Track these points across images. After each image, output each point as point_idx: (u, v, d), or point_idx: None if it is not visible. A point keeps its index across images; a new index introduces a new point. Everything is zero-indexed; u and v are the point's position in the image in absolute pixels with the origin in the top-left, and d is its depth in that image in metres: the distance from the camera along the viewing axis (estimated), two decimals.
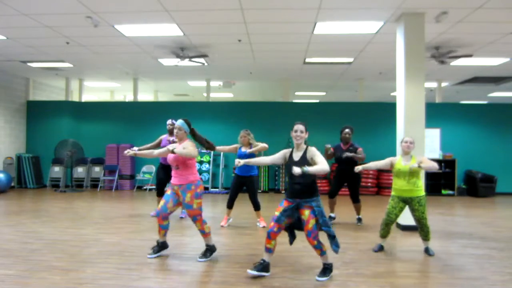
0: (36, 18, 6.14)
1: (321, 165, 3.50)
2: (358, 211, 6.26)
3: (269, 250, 3.69)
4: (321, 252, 3.66)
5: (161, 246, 4.35)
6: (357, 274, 3.86)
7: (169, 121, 6.45)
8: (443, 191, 10.21)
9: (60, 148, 10.10)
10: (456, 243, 5.16)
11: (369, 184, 10.06)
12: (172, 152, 4.02)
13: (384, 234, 4.67)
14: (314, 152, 3.64)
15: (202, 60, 8.43)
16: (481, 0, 5.26)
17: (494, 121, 10.56)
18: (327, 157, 5.94)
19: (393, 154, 6.35)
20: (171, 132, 6.21)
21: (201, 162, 10.84)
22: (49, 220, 6.37)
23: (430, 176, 9.78)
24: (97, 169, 10.89)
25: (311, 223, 3.55)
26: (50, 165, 10.80)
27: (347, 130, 6.12)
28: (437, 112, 10.12)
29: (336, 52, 8.17)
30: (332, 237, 3.60)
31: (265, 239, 3.66)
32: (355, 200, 6.16)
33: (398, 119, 6.09)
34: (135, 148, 4.68)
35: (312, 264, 4.16)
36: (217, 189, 10.61)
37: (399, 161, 4.51)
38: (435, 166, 4.32)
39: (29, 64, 9.41)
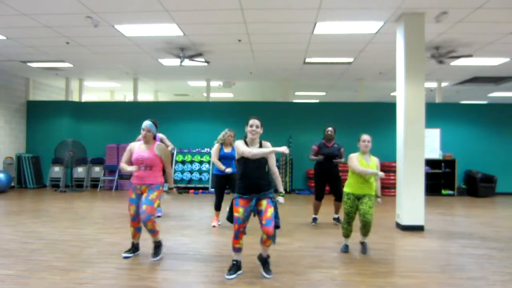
0: (36, 18, 6.14)
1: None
2: (337, 209, 6.20)
3: (238, 250, 3.75)
4: (271, 243, 3.64)
5: (136, 247, 4.42)
6: (357, 274, 3.86)
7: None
8: (443, 191, 10.21)
9: (61, 148, 10.10)
10: (456, 243, 5.16)
11: None
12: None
13: (347, 233, 4.66)
14: (269, 145, 3.72)
15: (202, 60, 8.43)
16: (481, 0, 5.26)
17: (494, 121, 10.57)
18: (313, 157, 6.16)
19: (393, 153, 6.37)
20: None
21: (201, 162, 10.84)
22: (49, 220, 6.37)
23: (430, 176, 9.78)
24: (97, 169, 10.89)
25: (270, 211, 3.57)
26: (50, 165, 10.80)
27: (330, 128, 6.18)
28: (437, 112, 10.12)
29: (336, 52, 8.17)
30: (277, 228, 3.65)
31: (232, 240, 3.70)
32: (338, 198, 6.07)
33: (398, 119, 6.09)
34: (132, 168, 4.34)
35: (312, 264, 4.16)
36: None
37: (361, 159, 4.50)
38: (370, 172, 4.38)
39: (29, 64, 9.41)
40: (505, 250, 4.78)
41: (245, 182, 3.64)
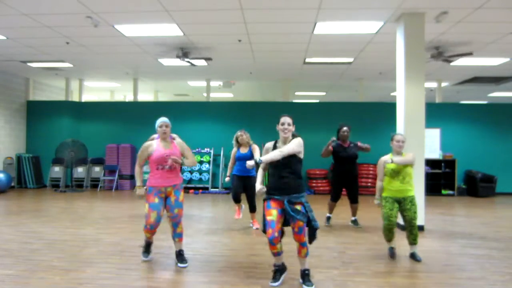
0: (36, 18, 6.14)
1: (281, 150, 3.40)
2: (355, 212, 6.09)
3: (278, 254, 3.50)
4: (307, 252, 3.46)
5: (151, 243, 4.25)
6: (357, 274, 3.86)
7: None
8: (443, 191, 10.21)
9: (62, 148, 10.11)
10: (456, 243, 5.16)
11: (369, 184, 10.06)
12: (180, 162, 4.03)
13: (391, 237, 4.40)
14: (300, 141, 3.51)
15: (202, 60, 8.43)
16: (481, 0, 5.26)
17: (494, 121, 10.57)
18: (325, 153, 5.88)
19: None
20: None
21: (201, 162, 10.84)
22: (49, 220, 6.37)
23: (430, 176, 9.78)
24: (97, 169, 10.89)
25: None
26: (50, 165, 10.80)
27: (345, 128, 5.96)
28: (437, 112, 10.12)
29: (336, 52, 8.17)
30: (315, 230, 3.45)
31: (269, 246, 3.43)
32: (355, 200, 5.99)
33: (398, 119, 6.09)
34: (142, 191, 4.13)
35: (312, 264, 4.15)
36: (217, 189, 10.60)
37: (391, 157, 4.34)
38: (407, 160, 4.21)
39: (29, 64, 9.41)
40: (505, 250, 4.78)
41: (276, 182, 3.45)
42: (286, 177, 3.42)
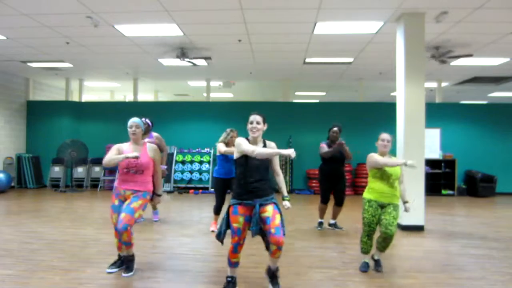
0: (36, 18, 6.14)
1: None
2: (336, 214, 5.84)
3: (235, 264, 3.31)
4: (280, 254, 3.18)
5: (123, 260, 3.85)
6: (357, 274, 3.85)
7: (143, 120, 6.03)
8: (443, 191, 10.21)
9: (63, 148, 10.11)
10: (456, 243, 5.16)
11: (363, 184, 10.05)
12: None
13: (367, 248, 3.99)
14: (274, 146, 3.35)
15: (202, 60, 8.43)
16: (481, 0, 5.26)
17: (494, 121, 10.57)
18: (327, 154, 5.58)
19: (393, 153, 6.34)
20: (144, 133, 5.98)
21: (201, 162, 10.84)
22: (49, 220, 6.37)
23: (431, 176, 9.78)
24: (97, 169, 10.89)
25: (278, 218, 3.13)
26: (50, 165, 10.80)
27: (335, 129, 5.74)
28: (437, 112, 10.11)
29: (336, 52, 8.17)
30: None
31: (230, 254, 3.24)
32: (340, 202, 5.74)
33: (398, 119, 6.09)
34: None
35: (313, 264, 4.16)
36: None
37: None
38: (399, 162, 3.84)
39: (29, 64, 9.41)
40: (505, 250, 4.78)
41: (246, 186, 3.16)
42: (259, 180, 3.17)
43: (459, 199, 9.65)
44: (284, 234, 3.15)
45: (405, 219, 5.82)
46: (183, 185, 10.76)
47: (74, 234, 5.36)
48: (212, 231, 5.56)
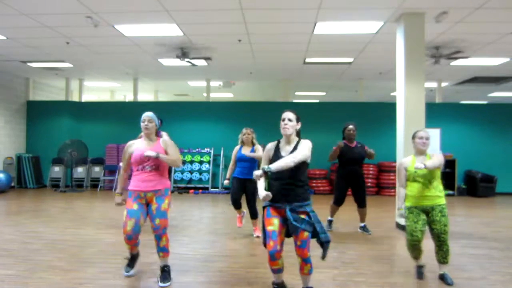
0: (36, 18, 6.14)
1: (293, 155, 2.93)
2: (363, 217, 5.63)
3: (278, 271, 3.05)
4: (311, 269, 3.02)
5: (136, 256, 3.74)
6: (357, 274, 3.85)
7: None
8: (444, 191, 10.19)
9: (63, 148, 10.12)
10: (456, 243, 5.15)
11: (369, 184, 10.05)
12: (157, 157, 3.36)
13: (416, 254, 3.71)
14: (305, 144, 3.08)
15: (202, 60, 8.43)
16: (481, 0, 5.26)
17: (494, 121, 10.57)
18: (332, 157, 5.43)
19: (393, 153, 6.36)
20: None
21: (201, 162, 10.84)
22: (49, 220, 6.37)
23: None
24: (97, 169, 10.89)
25: (306, 232, 2.94)
26: (50, 165, 10.80)
27: (351, 126, 5.48)
28: (437, 112, 10.11)
29: (336, 52, 8.17)
30: (327, 243, 3.00)
31: (269, 261, 2.98)
32: (362, 204, 5.53)
33: (398, 119, 6.09)
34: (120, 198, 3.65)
35: (313, 264, 4.15)
36: (217, 189, 10.60)
37: (413, 163, 3.58)
38: (440, 161, 3.48)
39: (29, 64, 9.41)
40: (505, 250, 4.78)
41: (275, 187, 2.98)
42: (290, 183, 2.96)
43: (459, 199, 9.65)
44: (328, 241, 2.97)
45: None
46: (183, 185, 10.76)
47: (74, 234, 5.36)
48: (239, 227, 5.43)
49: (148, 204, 3.46)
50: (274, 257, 2.92)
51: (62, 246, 4.74)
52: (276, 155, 3.05)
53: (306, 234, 2.90)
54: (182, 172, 10.85)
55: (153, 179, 3.43)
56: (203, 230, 5.75)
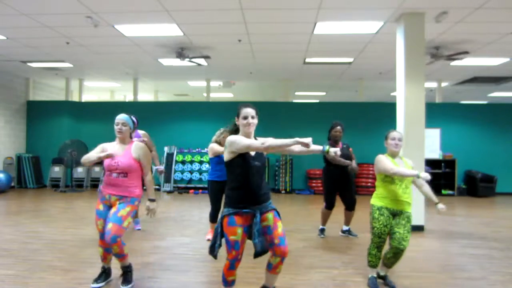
0: (36, 18, 6.14)
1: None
2: (349, 220, 5.40)
3: (232, 283, 2.92)
4: (281, 268, 2.91)
5: (108, 273, 3.57)
6: (357, 274, 3.85)
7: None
8: (443, 191, 10.21)
9: (64, 148, 10.12)
10: (456, 243, 5.16)
11: (369, 184, 10.06)
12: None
13: (376, 261, 3.52)
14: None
15: (202, 60, 8.43)
16: (481, 0, 5.26)
17: (494, 121, 10.57)
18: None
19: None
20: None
21: (201, 162, 10.84)
22: (49, 220, 6.37)
23: (430, 176, 9.76)
24: (97, 169, 10.89)
25: (280, 226, 2.82)
26: (50, 165, 10.80)
27: (338, 127, 5.22)
28: (437, 112, 10.12)
29: (336, 52, 8.17)
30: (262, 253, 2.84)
31: (225, 272, 2.87)
32: (351, 207, 5.29)
33: (398, 119, 6.09)
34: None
35: (313, 264, 4.15)
36: None
37: (393, 162, 3.46)
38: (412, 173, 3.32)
39: (29, 64, 9.41)
40: (505, 250, 4.78)
41: (244, 191, 2.77)
42: (260, 184, 2.81)
43: (459, 199, 9.65)
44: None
45: None
46: (183, 185, 10.76)
47: (74, 234, 5.36)
48: (208, 239, 5.14)
49: (111, 208, 3.35)
50: (233, 266, 2.82)
51: (62, 246, 4.74)
52: (247, 154, 2.80)
53: (280, 229, 2.79)
54: (182, 172, 10.85)
55: (120, 184, 3.32)
56: (203, 230, 5.76)
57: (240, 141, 2.73)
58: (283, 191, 10.40)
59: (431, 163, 9.87)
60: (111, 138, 3.77)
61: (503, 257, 4.49)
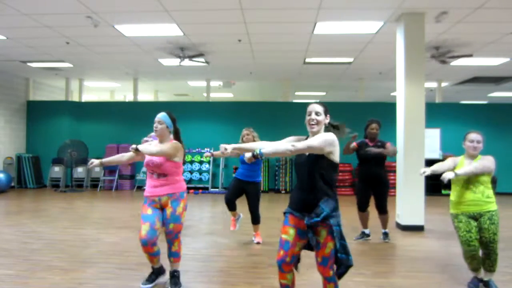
0: (36, 18, 6.14)
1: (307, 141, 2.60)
2: (384, 224, 5.18)
3: (286, 287, 2.66)
4: (335, 286, 2.65)
5: (158, 272, 3.57)
6: (357, 274, 3.85)
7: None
8: (443, 191, 10.19)
9: (63, 148, 10.11)
10: (456, 243, 5.14)
11: None
12: (136, 150, 3.17)
13: (475, 265, 3.44)
14: (321, 136, 2.70)
15: (202, 60, 8.43)
16: (481, 0, 5.26)
17: (494, 121, 10.55)
18: (349, 150, 5.01)
19: None
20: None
21: (201, 162, 10.84)
22: (49, 220, 6.37)
23: (430, 176, 9.71)
24: (97, 169, 10.88)
25: (329, 247, 2.55)
26: (50, 165, 10.80)
27: (374, 125, 5.07)
28: (437, 112, 10.11)
29: (336, 52, 8.17)
30: (346, 267, 2.66)
31: (278, 273, 2.66)
32: (382, 210, 5.10)
33: (398, 119, 6.09)
34: (96, 161, 3.47)
35: (312, 264, 4.14)
36: (217, 189, 10.59)
37: (461, 164, 3.38)
38: (479, 167, 3.27)
39: (29, 64, 9.40)
40: (505, 250, 4.77)
41: (294, 193, 2.66)
42: (307, 188, 2.54)
43: None
44: (350, 265, 2.67)
45: (405, 219, 5.83)
46: None
47: (74, 234, 5.36)
48: (233, 230, 5.12)
49: (163, 209, 3.36)
50: (281, 268, 2.60)
51: (62, 246, 4.74)
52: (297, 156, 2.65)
53: (328, 250, 2.55)
54: (183, 172, 10.83)
55: (164, 184, 3.34)
56: (203, 230, 5.75)
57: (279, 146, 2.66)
58: (283, 191, 10.40)
59: (431, 163, 9.81)
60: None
61: (503, 257, 4.47)
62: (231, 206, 4.99)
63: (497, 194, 10.76)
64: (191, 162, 10.89)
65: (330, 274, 2.59)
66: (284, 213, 2.68)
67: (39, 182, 10.83)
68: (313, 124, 2.65)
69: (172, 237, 3.38)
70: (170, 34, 6.91)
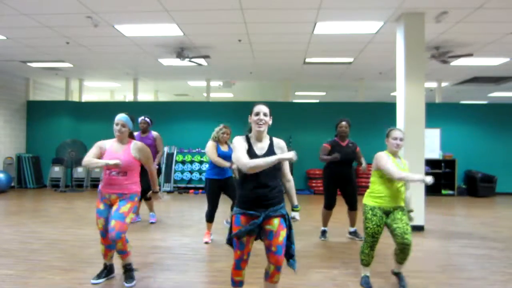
0: (36, 18, 6.14)
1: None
2: (353, 221, 5.26)
3: (240, 284, 2.85)
4: (279, 277, 2.81)
5: (109, 270, 3.65)
6: (357, 274, 3.85)
7: (141, 118, 6.15)
8: (443, 191, 10.21)
9: (62, 148, 10.11)
10: (456, 243, 5.16)
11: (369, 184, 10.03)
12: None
13: (369, 260, 3.55)
14: (284, 145, 2.88)
15: (202, 60, 8.44)
16: (481, 0, 5.26)
17: (494, 121, 10.57)
18: (322, 159, 5.14)
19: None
20: (143, 131, 6.16)
21: (201, 162, 10.84)
22: (49, 220, 6.37)
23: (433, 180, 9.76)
24: (97, 169, 10.88)
25: (282, 235, 2.70)
26: (50, 165, 10.80)
27: (344, 123, 5.13)
28: (437, 112, 10.12)
29: (336, 52, 8.17)
30: (290, 258, 2.81)
31: (233, 271, 2.82)
32: (353, 207, 5.18)
33: (398, 119, 6.09)
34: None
35: (312, 264, 4.16)
36: None
37: (393, 160, 3.43)
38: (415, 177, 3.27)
39: (29, 64, 9.40)
40: (505, 250, 4.78)
41: (249, 193, 2.71)
42: (266, 186, 2.69)
43: (459, 199, 9.65)
44: (292, 255, 2.79)
45: None
46: (183, 185, 10.75)
47: (74, 234, 5.36)
48: (206, 242, 5.00)
49: (112, 206, 3.43)
50: (239, 266, 2.77)
51: (62, 246, 4.74)
52: (251, 152, 2.73)
53: (281, 238, 2.68)
54: (182, 172, 10.85)
55: (119, 183, 3.41)
56: (203, 230, 5.74)
57: (235, 150, 2.73)
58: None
59: (431, 163, 9.87)
60: (111, 138, 3.80)
61: (503, 257, 4.49)
62: (213, 218, 5.04)
63: (497, 194, 10.79)
64: (191, 162, 10.89)
65: (282, 263, 2.74)
66: (234, 214, 2.78)
67: (39, 182, 10.83)
68: (261, 124, 2.78)
69: (113, 236, 3.23)
70: (170, 34, 6.91)
